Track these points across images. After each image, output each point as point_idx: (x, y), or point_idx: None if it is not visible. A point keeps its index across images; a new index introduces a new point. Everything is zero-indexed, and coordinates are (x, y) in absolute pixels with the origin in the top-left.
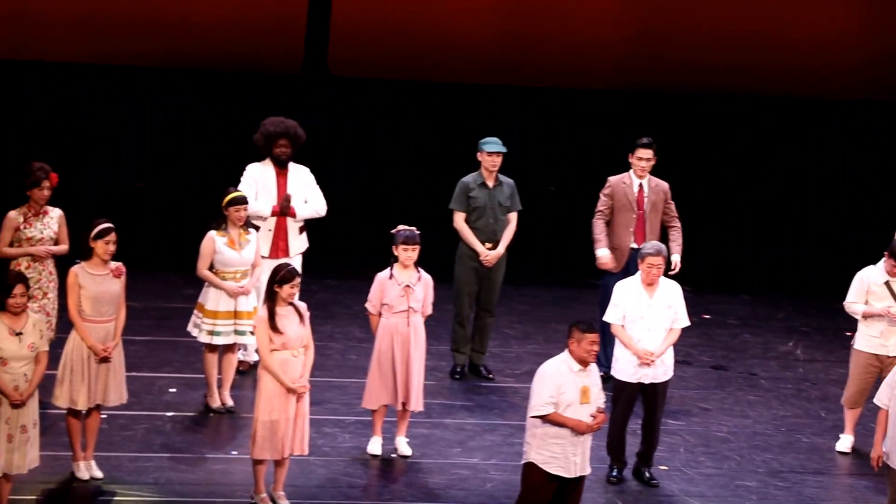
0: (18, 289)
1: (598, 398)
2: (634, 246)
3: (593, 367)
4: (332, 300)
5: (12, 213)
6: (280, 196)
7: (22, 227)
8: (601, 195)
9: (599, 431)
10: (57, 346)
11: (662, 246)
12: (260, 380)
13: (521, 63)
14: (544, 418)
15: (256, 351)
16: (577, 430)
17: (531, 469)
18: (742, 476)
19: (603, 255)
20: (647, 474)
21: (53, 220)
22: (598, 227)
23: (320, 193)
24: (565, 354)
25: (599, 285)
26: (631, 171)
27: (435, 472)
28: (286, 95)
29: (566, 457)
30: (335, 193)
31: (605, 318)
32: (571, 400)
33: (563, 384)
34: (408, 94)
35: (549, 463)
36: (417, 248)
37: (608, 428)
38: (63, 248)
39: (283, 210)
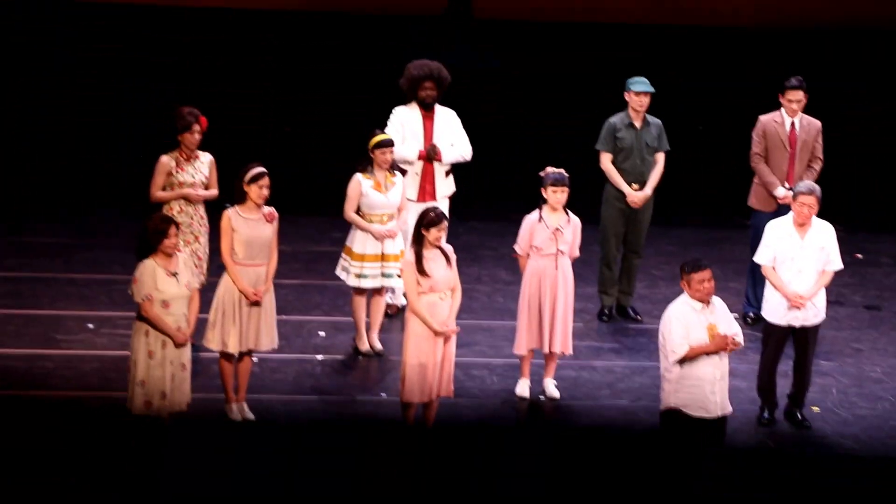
0: (172, 230)
1: (730, 330)
2: (786, 185)
3: (717, 303)
4: (479, 243)
5: (164, 158)
6: (427, 140)
7: (174, 171)
8: (753, 135)
9: (750, 373)
10: (208, 289)
11: (815, 185)
12: (408, 323)
13: (667, 3)
14: (683, 359)
15: (404, 294)
16: (720, 348)
17: (671, 415)
18: None
19: (782, 192)
20: (799, 416)
21: (204, 164)
22: (764, 169)
23: (466, 137)
24: (684, 296)
25: (749, 225)
26: (782, 109)
27: (583, 414)
28: (429, 37)
29: (705, 396)
30: (481, 136)
31: (756, 258)
32: (700, 339)
33: (690, 324)
34: (551, 36)
35: (689, 405)
36: (567, 189)
37: (758, 369)
38: (213, 192)
39: (430, 156)
